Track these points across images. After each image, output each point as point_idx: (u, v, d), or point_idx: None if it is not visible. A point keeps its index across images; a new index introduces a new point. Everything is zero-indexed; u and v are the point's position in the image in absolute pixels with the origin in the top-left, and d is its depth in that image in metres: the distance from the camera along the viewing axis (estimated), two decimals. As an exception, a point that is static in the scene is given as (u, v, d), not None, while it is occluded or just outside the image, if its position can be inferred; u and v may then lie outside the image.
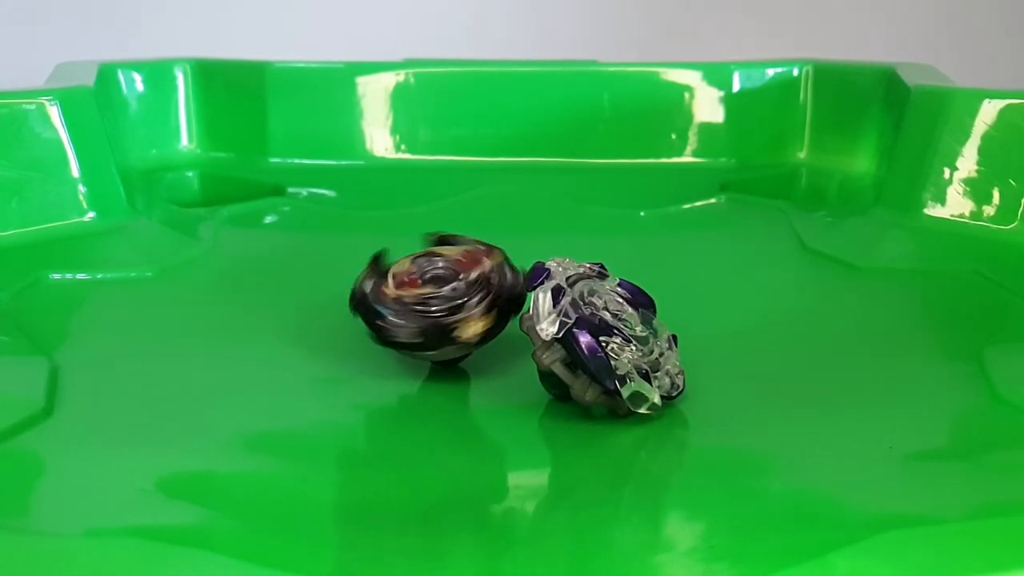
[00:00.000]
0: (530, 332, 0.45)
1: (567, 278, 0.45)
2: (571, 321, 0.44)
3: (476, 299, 0.48)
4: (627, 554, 0.36)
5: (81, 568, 0.33)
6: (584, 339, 0.44)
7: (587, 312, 0.45)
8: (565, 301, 0.44)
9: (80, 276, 0.58)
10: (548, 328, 0.44)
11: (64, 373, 0.48)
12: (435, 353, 0.48)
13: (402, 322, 0.47)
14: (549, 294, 0.44)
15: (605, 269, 0.48)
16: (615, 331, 0.44)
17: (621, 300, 0.47)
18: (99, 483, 0.40)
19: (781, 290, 0.60)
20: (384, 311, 0.48)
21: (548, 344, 0.44)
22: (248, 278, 0.61)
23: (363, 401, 0.48)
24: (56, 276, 0.58)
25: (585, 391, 0.44)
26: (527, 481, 0.42)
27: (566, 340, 0.44)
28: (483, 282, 0.48)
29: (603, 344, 0.44)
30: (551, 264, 0.46)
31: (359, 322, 0.54)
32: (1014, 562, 0.33)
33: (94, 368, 0.49)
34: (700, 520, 0.39)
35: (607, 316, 0.45)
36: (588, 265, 0.47)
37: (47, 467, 0.42)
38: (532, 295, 0.45)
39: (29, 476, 0.41)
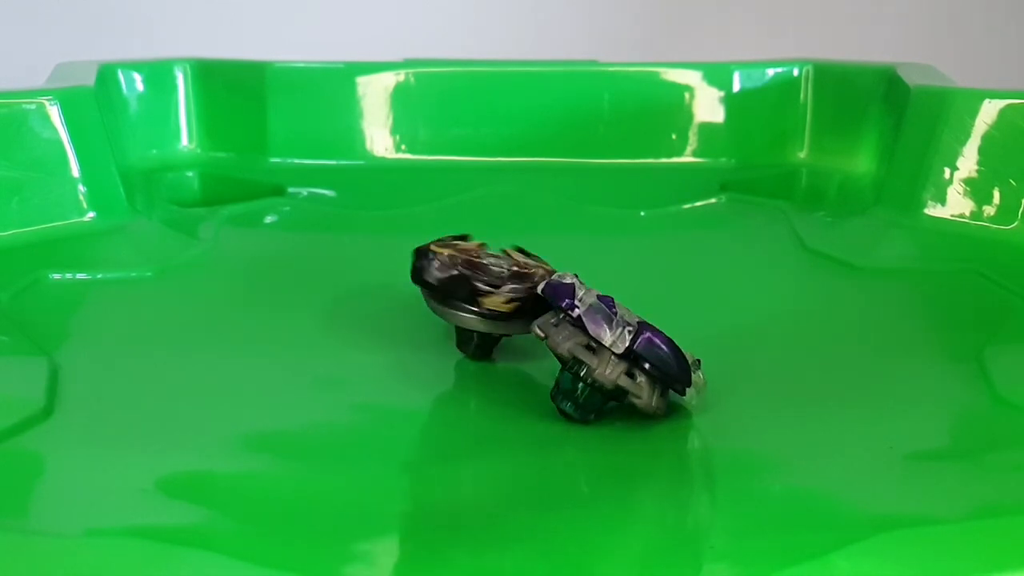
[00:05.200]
0: (576, 351, 0.43)
1: (570, 279, 0.45)
2: (635, 329, 0.43)
3: (511, 286, 0.49)
4: (627, 554, 0.36)
5: (81, 568, 0.33)
6: (660, 338, 0.43)
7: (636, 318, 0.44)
8: (621, 311, 0.43)
9: (80, 276, 0.58)
10: (620, 344, 0.43)
11: (64, 373, 0.48)
12: (453, 313, 0.49)
13: (438, 263, 0.49)
14: (602, 310, 0.43)
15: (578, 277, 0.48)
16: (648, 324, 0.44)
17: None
18: (99, 483, 0.40)
19: (781, 290, 0.60)
20: (432, 255, 0.50)
21: (608, 359, 0.43)
22: (248, 278, 0.61)
23: (363, 401, 0.48)
24: (56, 276, 0.58)
25: (652, 397, 0.43)
26: (527, 482, 0.42)
27: (642, 348, 0.43)
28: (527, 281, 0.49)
29: (671, 339, 0.43)
30: (568, 278, 0.45)
31: (359, 322, 0.54)
32: (1014, 562, 0.33)
33: (94, 368, 0.49)
34: (700, 520, 0.39)
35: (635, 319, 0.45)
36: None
37: (47, 467, 0.42)
38: (583, 316, 0.43)
39: (29, 476, 0.41)
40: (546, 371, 0.49)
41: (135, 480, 0.40)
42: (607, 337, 0.43)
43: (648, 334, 0.43)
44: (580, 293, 0.44)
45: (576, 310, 0.43)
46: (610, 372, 0.43)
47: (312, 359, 0.51)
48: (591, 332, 0.43)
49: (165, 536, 0.36)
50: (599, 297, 0.43)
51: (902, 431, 0.44)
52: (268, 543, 0.36)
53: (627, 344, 0.43)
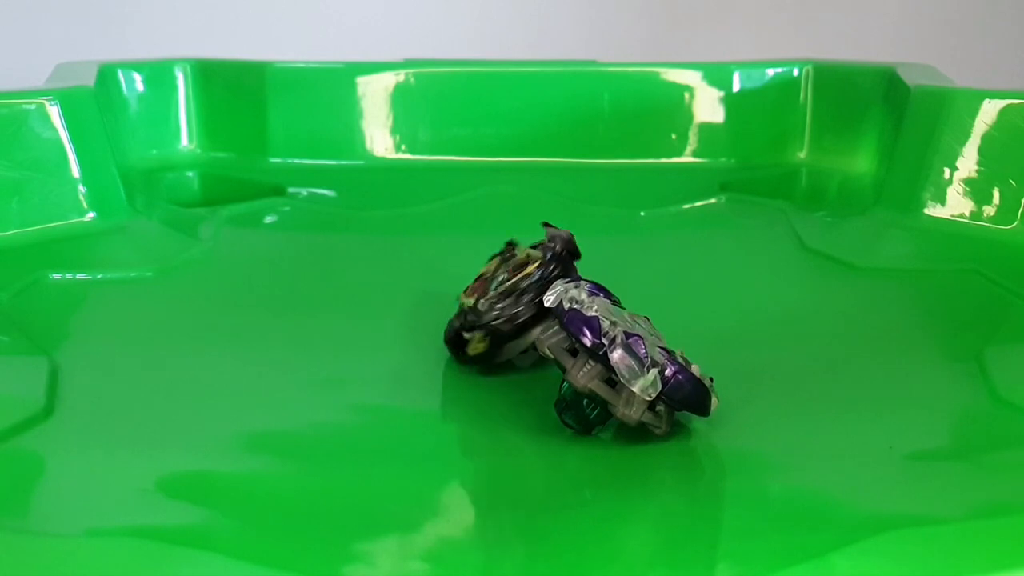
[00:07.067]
0: (599, 389, 0.42)
1: (595, 310, 0.43)
2: (660, 368, 0.42)
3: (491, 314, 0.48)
4: (628, 554, 0.36)
5: (81, 568, 0.33)
6: (684, 376, 0.42)
7: (654, 340, 0.43)
8: (649, 343, 0.42)
9: (80, 276, 0.58)
10: (652, 391, 0.41)
11: (64, 373, 0.48)
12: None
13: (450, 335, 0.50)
14: (629, 351, 0.42)
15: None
16: (666, 350, 0.43)
17: (615, 303, 0.46)
18: (99, 483, 0.40)
19: (781, 290, 0.60)
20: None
21: (632, 398, 0.42)
22: (248, 278, 0.61)
23: (363, 402, 0.48)
24: (56, 276, 0.58)
25: (670, 425, 0.43)
26: (527, 482, 0.42)
27: (669, 390, 0.42)
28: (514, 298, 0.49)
29: (695, 375, 0.42)
30: (590, 307, 0.43)
31: (359, 322, 0.54)
32: (1014, 562, 0.33)
33: (94, 368, 0.49)
34: (701, 520, 0.39)
35: (650, 332, 0.44)
36: (567, 280, 0.46)
37: (47, 467, 0.42)
38: (614, 363, 0.41)
39: (29, 476, 0.41)
40: (551, 373, 0.49)
41: (135, 480, 0.40)
42: (638, 385, 0.42)
43: (678, 376, 0.42)
44: (605, 326, 0.42)
45: (603, 350, 0.42)
46: (634, 411, 0.42)
47: (312, 359, 0.51)
48: (623, 379, 0.41)
49: (165, 536, 0.36)
50: (626, 334, 0.42)
51: (902, 431, 0.44)
52: (268, 543, 0.36)
53: (658, 390, 0.42)
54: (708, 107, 0.77)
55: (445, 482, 0.42)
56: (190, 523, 0.38)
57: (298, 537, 0.37)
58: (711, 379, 0.44)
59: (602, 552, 0.36)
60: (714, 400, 0.43)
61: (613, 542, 0.36)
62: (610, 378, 0.42)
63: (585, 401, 0.43)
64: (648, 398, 0.42)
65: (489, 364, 0.49)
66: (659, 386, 0.42)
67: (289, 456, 0.43)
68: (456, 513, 0.40)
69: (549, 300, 0.44)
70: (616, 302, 0.47)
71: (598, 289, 0.46)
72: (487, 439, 0.45)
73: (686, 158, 0.77)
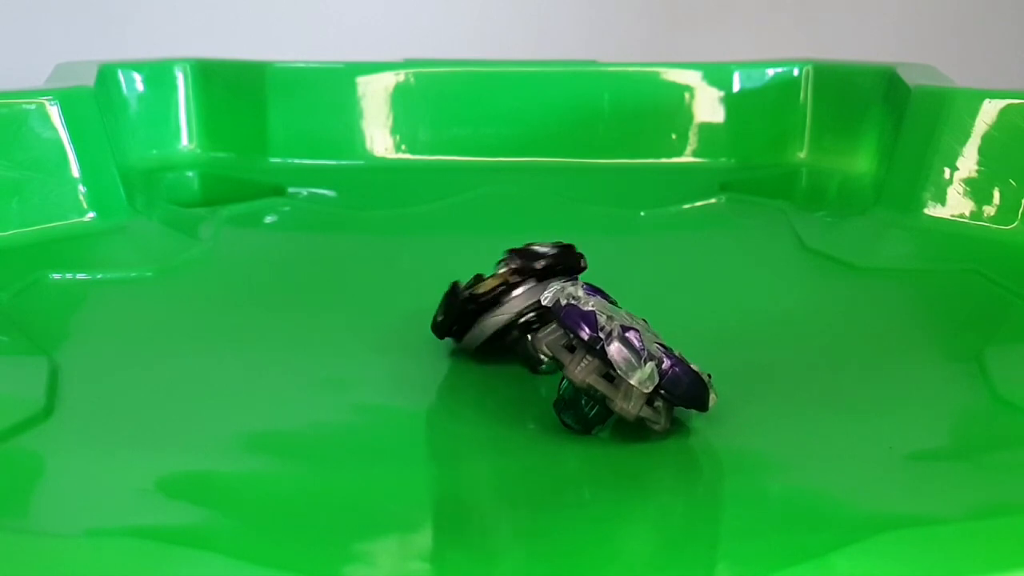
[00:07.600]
0: (597, 384, 0.42)
1: (592, 306, 0.43)
2: (658, 360, 0.42)
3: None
4: (627, 554, 0.36)
5: (81, 568, 0.33)
6: (681, 369, 0.42)
7: (651, 336, 0.43)
8: (646, 339, 0.42)
9: (80, 276, 0.58)
10: (649, 383, 0.41)
11: (64, 373, 0.48)
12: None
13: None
14: (626, 344, 0.41)
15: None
16: (663, 346, 0.43)
17: (612, 302, 0.46)
18: (99, 483, 0.40)
19: (781, 290, 0.60)
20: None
21: (631, 392, 0.42)
22: (248, 278, 0.61)
23: (363, 401, 0.48)
24: (56, 276, 0.58)
25: (669, 420, 0.43)
26: (527, 482, 0.42)
27: (667, 383, 0.42)
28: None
29: (693, 369, 0.42)
30: (587, 303, 0.43)
31: (359, 322, 0.54)
32: (1014, 562, 0.33)
33: (94, 368, 0.49)
34: (700, 520, 0.39)
35: (647, 329, 0.44)
36: (565, 280, 0.46)
37: (47, 467, 0.42)
38: (611, 355, 0.41)
39: (29, 476, 0.41)
40: (550, 374, 0.49)
41: (135, 480, 0.40)
42: (635, 377, 0.41)
43: (675, 369, 0.42)
44: (602, 321, 0.42)
45: (600, 344, 0.42)
46: (632, 406, 0.42)
47: (312, 360, 0.51)
48: (620, 372, 0.41)
49: (165, 536, 0.36)
50: (623, 328, 0.42)
51: (902, 431, 0.44)
52: (268, 543, 0.36)
53: (656, 383, 0.41)
54: (708, 107, 0.77)
55: (445, 482, 0.42)
56: (190, 523, 0.38)
57: (298, 537, 0.37)
58: (709, 375, 0.44)
59: (602, 552, 0.36)
60: (712, 396, 0.43)
61: (613, 542, 0.36)
62: (608, 373, 0.42)
63: (584, 399, 0.43)
64: (646, 390, 0.42)
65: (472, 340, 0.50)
66: (656, 379, 0.42)
67: (289, 456, 0.43)
68: (456, 513, 0.40)
69: (546, 299, 0.44)
70: (614, 304, 0.47)
71: (595, 291, 0.46)
72: (487, 439, 0.45)
73: (686, 158, 0.77)
